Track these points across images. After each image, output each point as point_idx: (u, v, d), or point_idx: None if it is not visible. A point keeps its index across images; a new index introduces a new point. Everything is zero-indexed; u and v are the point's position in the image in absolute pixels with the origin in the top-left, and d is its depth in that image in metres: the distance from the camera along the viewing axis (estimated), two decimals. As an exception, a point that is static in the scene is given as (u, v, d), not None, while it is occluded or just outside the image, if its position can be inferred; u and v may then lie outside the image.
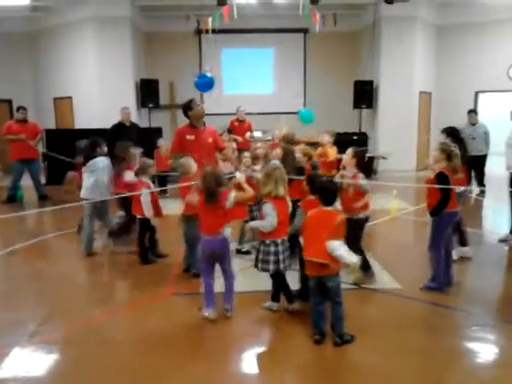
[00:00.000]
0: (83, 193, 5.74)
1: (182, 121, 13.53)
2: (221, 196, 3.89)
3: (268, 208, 3.82)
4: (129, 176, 5.74)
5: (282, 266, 3.88)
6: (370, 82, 12.61)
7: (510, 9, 11.94)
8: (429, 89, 13.09)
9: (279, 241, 3.86)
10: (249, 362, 3.42)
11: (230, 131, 9.45)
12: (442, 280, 4.50)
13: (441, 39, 13.08)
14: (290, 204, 4.03)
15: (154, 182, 5.98)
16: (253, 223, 4.13)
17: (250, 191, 4.13)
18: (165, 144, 9.38)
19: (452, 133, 5.69)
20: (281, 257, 3.85)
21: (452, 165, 4.40)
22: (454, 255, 5.19)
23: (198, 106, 5.23)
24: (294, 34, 13.95)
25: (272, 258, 3.85)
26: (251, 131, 9.83)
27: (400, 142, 11.78)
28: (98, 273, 5.45)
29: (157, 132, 10.95)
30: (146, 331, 3.86)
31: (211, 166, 4.23)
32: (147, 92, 12.21)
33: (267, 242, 3.86)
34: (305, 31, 13.81)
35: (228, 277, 4.05)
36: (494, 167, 9.85)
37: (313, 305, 3.62)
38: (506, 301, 4.53)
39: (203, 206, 3.94)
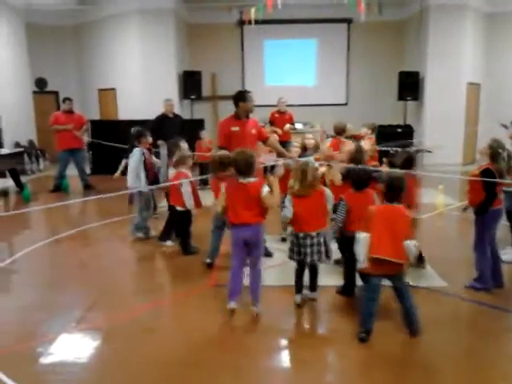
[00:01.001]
0: (128, 180, 5.88)
1: (224, 112, 13.61)
2: (255, 182, 3.84)
3: (286, 200, 4.02)
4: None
5: (298, 257, 4.00)
6: (416, 73, 12.24)
7: None
8: (477, 80, 12.60)
9: (301, 235, 3.94)
10: (288, 357, 3.39)
11: (270, 123, 9.37)
12: (487, 280, 4.33)
13: (491, 28, 12.51)
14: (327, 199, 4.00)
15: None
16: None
17: (276, 197, 3.91)
18: (207, 136, 9.42)
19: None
20: (302, 249, 3.95)
21: (495, 166, 4.21)
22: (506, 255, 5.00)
23: (251, 100, 5.19)
24: (338, 24, 13.71)
25: (294, 248, 4.01)
26: (292, 123, 9.70)
27: (446, 135, 11.39)
28: (142, 263, 5.51)
29: (199, 124, 11.01)
30: (187, 322, 3.89)
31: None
32: (190, 83, 12.29)
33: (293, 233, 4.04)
34: (349, 21, 13.55)
35: (256, 270, 3.97)
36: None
37: (367, 303, 3.57)
38: None
39: (233, 189, 3.89)
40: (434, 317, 3.86)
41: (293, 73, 13.84)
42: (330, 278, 4.55)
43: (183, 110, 12.19)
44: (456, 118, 12.03)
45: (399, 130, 11.71)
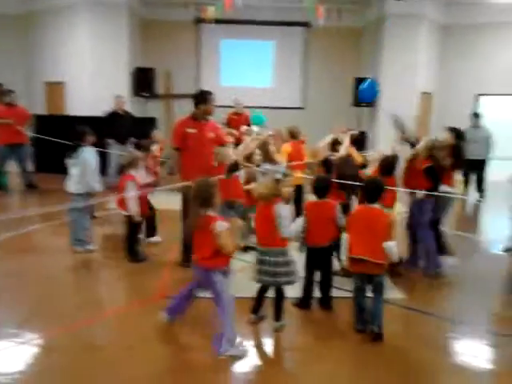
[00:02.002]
0: (69, 185, 5.33)
1: (178, 111, 13.23)
2: (208, 219, 3.35)
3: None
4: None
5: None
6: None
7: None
8: (430, 89, 12.84)
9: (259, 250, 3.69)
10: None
11: (227, 124, 9.14)
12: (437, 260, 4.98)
13: (445, 39, 12.78)
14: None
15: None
16: None
17: (231, 245, 3.36)
18: (160, 136, 9.03)
19: (455, 131, 5.51)
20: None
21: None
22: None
23: (213, 102, 4.93)
24: (296, 27, 13.64)
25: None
26: (249, 125, 9.49)
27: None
28: (85, 271, 5.10)
29: (151, 122, 10.61)
30: (132, 339, 3.57)
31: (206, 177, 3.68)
32: (142, 81, 11.84)
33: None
34: (306, 25, 13.50)
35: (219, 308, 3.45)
36: (495, 172, 9.62)
37: (355, 299, 3.72)
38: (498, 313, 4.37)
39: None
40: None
41: (249, 74, 13.66)
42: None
43: (135, 107, 11.72)
44: (408, 125, 12.16)
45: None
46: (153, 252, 5.45)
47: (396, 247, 3.54)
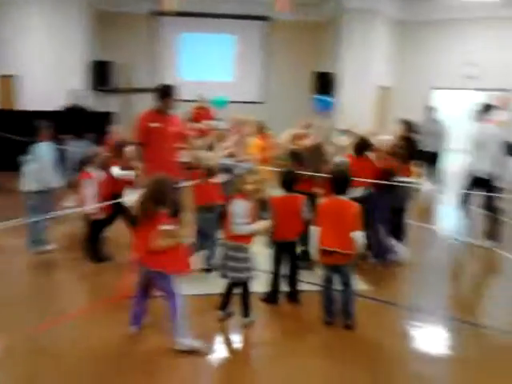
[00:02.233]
0: (24, 183, 5.06)
1: (137, 106, 12.91)
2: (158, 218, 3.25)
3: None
4: (115, 171, 5.15)
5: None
6: (331, 74, 12.44)
7: (468, 8, 12.05)
8: (387, 83, 13.08)
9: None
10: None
11: (192, 119, 9.01)
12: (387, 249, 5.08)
13: (401, 34, 13.06)
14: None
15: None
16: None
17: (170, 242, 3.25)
18: (119, 131, 8.80)
19: (406, 124, 5.67)
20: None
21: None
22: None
23: (176, 97, 4.83)
24: (256, 21, 13.59)
25: None
26: (214, 119, 9.38)
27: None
28: (44, 273, 4.88)
29: (109, 117, 10.33)
30: (93, 343, 3.43)
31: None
32: (100, 74, 11.50)
33: None
34: (267, 19, 13.48)
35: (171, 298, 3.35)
36: (449, 164, 9.90)
37: (324, 291, 3.76)
38: (455, 299, 4.60)
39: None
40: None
41: (210, 68, 13.52)
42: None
43: (93, 102, 11.39)
44: (366, 120, 12.35)
45: (314, 130, 11.81)
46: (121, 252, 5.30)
47: (363, 237, 3.65)
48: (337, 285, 3.74)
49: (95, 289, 4.45)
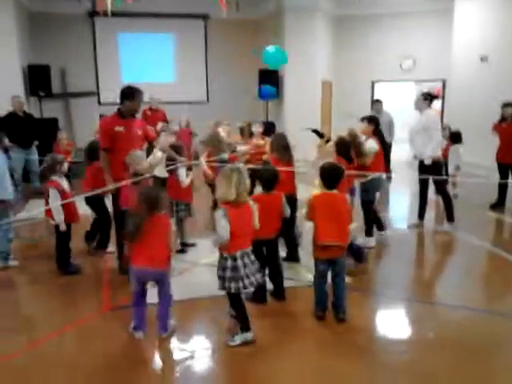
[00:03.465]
0: None
1: (77, 111, 12.48)
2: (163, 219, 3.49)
3: (219, 215, 3.27)
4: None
5: (238, 284, 3.34)
6: (275, 72, 12.55)
7: (403, 2, 12.56)
8: (330, 78, 13.40)
9: (238, 253, 3.34)
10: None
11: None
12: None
13: (339, 30, 13.43)
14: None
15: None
16: None
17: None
18: (65, 137, 8.45)
19: (374, 120, 5.80)
20: (242, 272, 3.32)
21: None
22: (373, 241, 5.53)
23: (140, 99, 4.68)
24: (195, 19, 13.48)
25: (230, 274, 3.33)
26: (166, 121, 9.19)
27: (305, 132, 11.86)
28: (10, 290, 4.62)
29: (53, 123, 9.90)
30: (81, 364, 3.26)
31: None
32: (37, 79, 10.94)
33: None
34: (205, 17, 13.40)
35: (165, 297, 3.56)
36: (397, 154, 10.33)
37: (319, 285, 3.77)
38: (415, 282, 4.84)
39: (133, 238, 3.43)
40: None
41: (151, 69, 13.24)
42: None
43: (31, 107, 10.86)
44: (312, 115, 12.60)
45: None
46: (86, 261, 5.11)
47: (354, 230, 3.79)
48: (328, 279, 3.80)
49: (73, 304, 4.25)
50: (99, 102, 12.88)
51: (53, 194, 4.63)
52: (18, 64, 10.67)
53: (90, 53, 12.81)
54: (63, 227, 4.68)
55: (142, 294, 3.53)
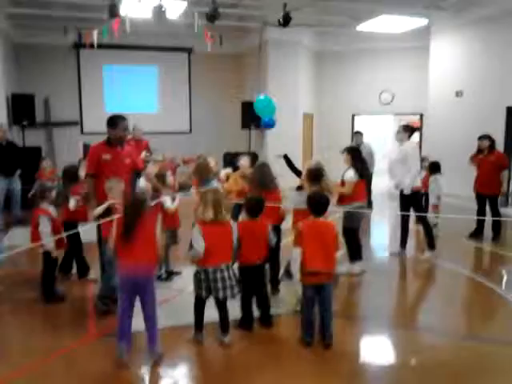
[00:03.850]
0: None
1: (59, 140, 12.48)
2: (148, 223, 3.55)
3: (194, 232, 3.71)
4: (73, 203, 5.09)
5: (208, 293, 3.77)
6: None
7: (381, 39, 13.02)
8: (311, 111, 13.71)
9: (210, 269, 3.69)
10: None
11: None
12: None
13: (321, 64, 13.87)
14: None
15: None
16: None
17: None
18: (49, 165, 8.44)
19: (353, 150, 5.96)
20: (212, 285, 3.71)
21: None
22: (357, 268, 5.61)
23: (122, 127, 4.74)
24: (179, 52, 13.76)
25: (203, 284, 3.75)
26: (149, 151, 9.24)
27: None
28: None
29: (36, 152, 9.88)
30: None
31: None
32: (20, 108, 10.95)
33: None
34: (189, 50, 13.68)
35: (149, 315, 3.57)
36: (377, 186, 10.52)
37: (307, 313, 3.80)
38: (398, 308, 4.94)
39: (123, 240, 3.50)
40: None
41: (134, 100, 13.38)
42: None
43: (13, 136, 10.83)
44: (294, 145, 12.81)
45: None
46: (68, 288, 5.07)
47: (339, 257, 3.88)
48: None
49: (65, 329, 4.20)
50: (82, 132, 12.93)
51: (44, 221, 4.63)
52: (2, 93, 10.70)
53: (75, 83, 12.94)
54: (55, 254, 4.67)
55: (129, 307, 3.51)
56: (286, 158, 6.29)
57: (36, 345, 3.91)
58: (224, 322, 3.83)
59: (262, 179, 4.98)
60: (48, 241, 4.60)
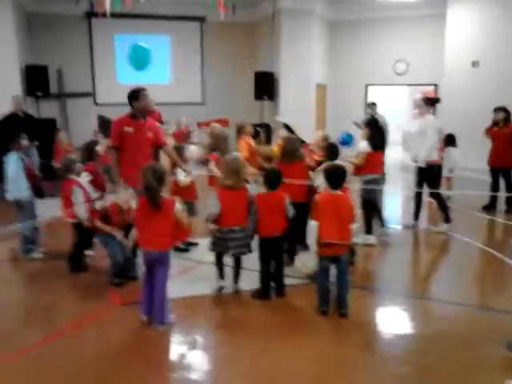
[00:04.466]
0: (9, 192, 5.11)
1: (73, 111, 12.51)
2: (166, 202, 3.64)
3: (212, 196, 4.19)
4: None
5: (221, 249, 4.23)
6: (271, 74, 12.72)
7: (396, 7, 12.79)
8: (324, 81, 13.59)
9: (225, 229, 4.12)
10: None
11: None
12: None
13: (334, 33, 13.67)
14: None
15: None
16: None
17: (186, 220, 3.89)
18: (65, 137, 8.54)
19: (371, 123, 5.96)
20: (225, 243, 4.16)
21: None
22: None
23: (145, 98, 4.80)
24: (191, 22, 13.61)
25: (217, 241, 4.21)
26: (161, 122, 9.28)
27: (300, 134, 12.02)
28: (29, 286, 4.77)
29: (51, 124, 9.97)
30: (96, 357, 3.39)
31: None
32: (34, 79, 11.00)
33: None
34: (201, 20, 13.53)
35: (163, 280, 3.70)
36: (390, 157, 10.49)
37: (323, 283, 3.91)
38: (413, 279, 5.04)
39: (144, 210, 3.63)
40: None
41: (147, 70, 13.31)
42: (242, 282, 4.43)
43: (28, 108, 10.91)
44: (307, 117, 12.78)
45: (259, 129, 12.03)
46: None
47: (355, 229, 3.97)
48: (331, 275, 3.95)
49: (90, 297, 4.36)
50: (95, 103, 12.97)
51: (76, 191, 4.75)
52: (16, 64, 10.72)
53: (87, 53, 12.89)
54: (87, 224, 4.77)
55: (149, 277, 3.70)
56: (286, 126, 6.31)
57: (68, 310, 4.12)
58: (236, 272, 4.33)
59: (293, 149, 5.03)
60: (81, 211, 4.73)
